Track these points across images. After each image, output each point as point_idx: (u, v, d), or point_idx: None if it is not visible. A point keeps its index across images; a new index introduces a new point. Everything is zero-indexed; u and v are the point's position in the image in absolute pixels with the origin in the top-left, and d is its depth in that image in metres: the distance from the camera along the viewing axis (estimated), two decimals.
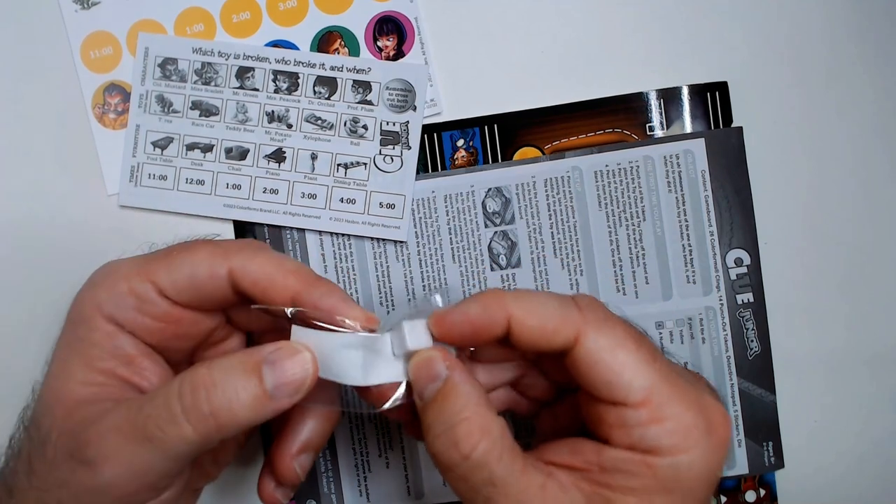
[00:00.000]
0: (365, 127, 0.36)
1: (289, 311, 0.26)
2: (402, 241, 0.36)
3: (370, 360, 0.26)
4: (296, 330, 0.26)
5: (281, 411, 0.25)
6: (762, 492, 0.36)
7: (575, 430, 0.27)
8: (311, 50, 0.36)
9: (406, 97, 0.36)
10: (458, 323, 0.25)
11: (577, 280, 0.36)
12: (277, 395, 0.25)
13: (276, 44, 0.36)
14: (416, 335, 0.26)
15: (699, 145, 0.35)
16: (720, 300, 0.36)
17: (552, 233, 0.36)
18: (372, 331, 0.26)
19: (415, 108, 0.36)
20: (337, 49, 0.36)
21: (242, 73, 0.36)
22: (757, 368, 0.36)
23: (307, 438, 0.29)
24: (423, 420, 0.25)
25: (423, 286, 0.36)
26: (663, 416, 0.24)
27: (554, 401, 0.30)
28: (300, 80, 0.36)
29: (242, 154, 0.36)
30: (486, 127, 0.36)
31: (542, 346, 0.25)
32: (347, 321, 0.26)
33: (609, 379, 0.24)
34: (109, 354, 0.26)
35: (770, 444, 0.36)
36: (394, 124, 0.36)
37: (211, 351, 0.30)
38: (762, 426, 0.36)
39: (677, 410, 0.24)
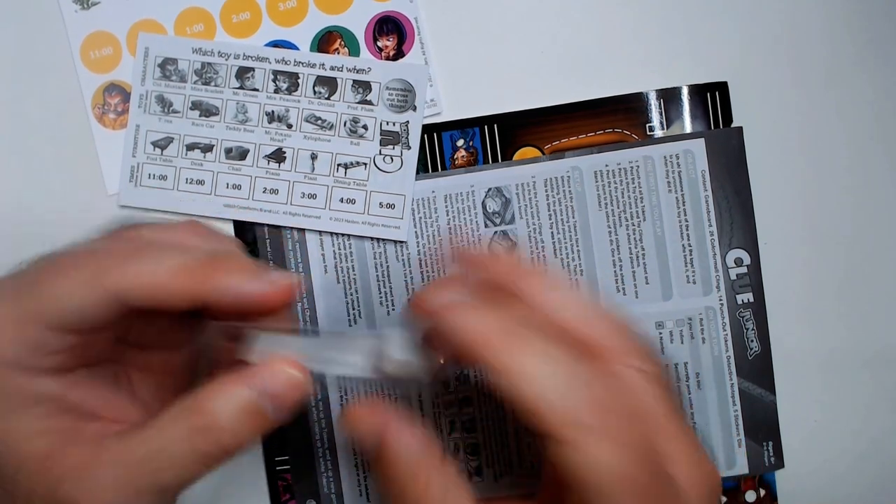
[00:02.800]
0: (365, 127, 0.36)
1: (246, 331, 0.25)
2: (402, 241, 0.36)
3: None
4: (254, 339, 0.25)
5: (286, 419, 0.25)
6: (762, 492, 0.36)
7: None
8: (311, 50, 0.36)
9: (406, 97, 0.36)
10: (442, 330, 0.24)
11: (577, 280, 0.36)
12: (277, 414, 0.25)
13: (276, 44, 0.36)
14: (397, 347, 0.25)
15: (699, 145, 0.35)
16: (720, 300, 0.36)
17: (552, 233, 0.36)
18: (289, 298, 0.25)
19: (415, 108, 0.36)
20: (337, 49, 0.36)
21: (242, 73, 0.36)
22: (757, 368, 0.36)
23: None
24: (372, 471, 0.25)
25: (424, 286, 0.36)
26: None
27: None
28: (300, 81, 0.36)
29: (242, 154, 0.36)
30: (486, 127, 0.36)
31: (515, 411, 0.23)
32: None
33: (581, 491, 0.22)
34: (37, 401, 0.24)
35: (770, 444, 0.36)
36: (394, 124, 0.36)
37: (137, 329, 0.28)
38: (762, 426, 0.36)
39: None
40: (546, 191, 0.36)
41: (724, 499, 0.36)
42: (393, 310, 0.36)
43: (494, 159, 0.36)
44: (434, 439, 0.24)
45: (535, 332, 0.23)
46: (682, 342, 0.36)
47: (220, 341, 0.27)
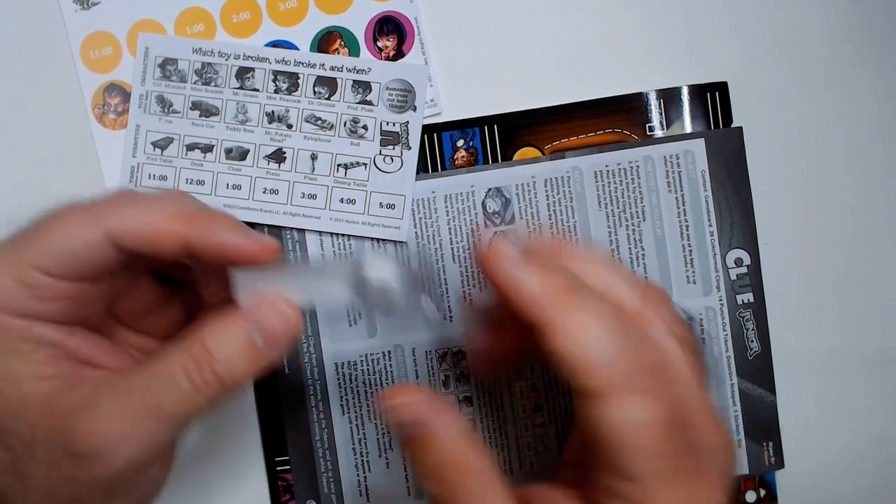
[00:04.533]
0: (365, 127, 0.36)
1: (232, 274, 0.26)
2: (402, 242, 0.36)
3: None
4: (240, 278, 0.26)
5: (279, 357, 0.26)
6: (762, 492, 0.36)
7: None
8: (311, 50, 0.36)
9: (406, 97, 0.36)
10: (504, 285, 0.24)
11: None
12: (270, 349, 0.26)
13: (276, 44, 0.36)
14: (378, 267, 0.26)
15: (699, 145, 0.35)
16: (720, 300, 0.36)
17: (552, 233, 0.36)
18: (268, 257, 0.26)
19: (415, 109, 0.36)
20: (337, 49, 0.36)
21: (242, 73, 0.36)
22: (757, 368, 0.36)
23: None
24: (409, 457, 0.26)
25: (423, 286, 0.36)
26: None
27: None
28: (300, 81, 0.36)
29: (242, 154, 0.36)
30: (486, 127, 0.36)
31: (559, 366, 0.24)
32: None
33: (612, 448, 0.23)
34: (38, 344, 0.25)
35: (770, 444, 0.36)
36: (394, 124, 0.36)
37: (127, 304, 0.29)
38: (762, 426, 0.36)
39: None
40: (546, 191, 0.36)
41: None
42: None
43: (494, 159, 0.36)
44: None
45: (585, 293, 0.24)
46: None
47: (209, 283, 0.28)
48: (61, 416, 0.24)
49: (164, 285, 0.31)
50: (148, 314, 0.30)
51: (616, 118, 0.36)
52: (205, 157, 0.36)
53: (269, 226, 0.36)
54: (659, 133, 0.36)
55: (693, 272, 0.36)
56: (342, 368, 0.36)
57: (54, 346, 0.26)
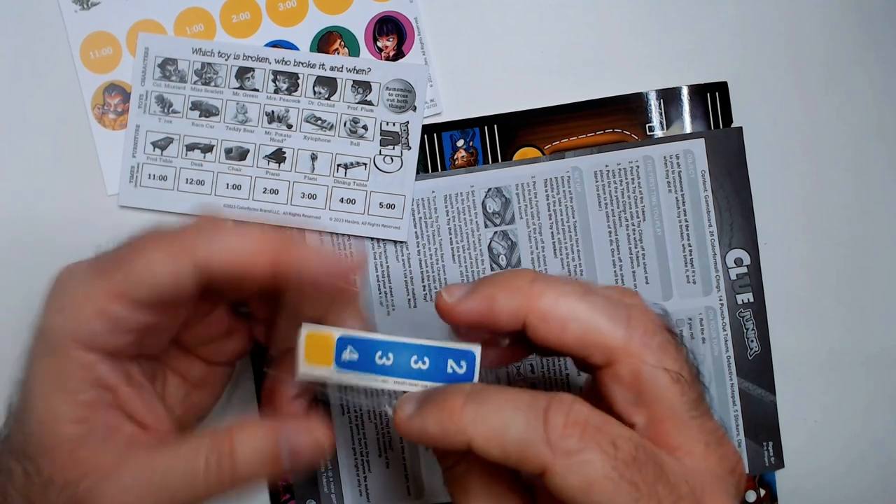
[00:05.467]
0: (365, 127, 0.36)
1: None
2: (402, 241, 0.36)
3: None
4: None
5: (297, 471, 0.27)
6: (762, 492, 0.36)
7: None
8: (311, 50, 0.36)
9: (406, 97, 0.36)
10: (467, 312, 0.24)
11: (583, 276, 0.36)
12: (293, 467, 0.26)
13: (275, 44, 0.36)
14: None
15: (699, 145, 0.35)
16: (720, 300, 0.36)
17: (552, 233, 0.36)
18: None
19: (415, 109, 0.36)
20: (337, 49, 0.36)
21: (242, 73, 0.36)
22: (757, 368, 0.36)
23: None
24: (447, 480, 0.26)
25: (423, 286, 0.36)
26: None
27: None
28: (300, 81, 0.36)
29: (242, 154, 0.36)
30: (486, 127, 0.36)
31: (566, 353, 0.24)
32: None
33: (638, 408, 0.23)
34: (91, 385, 0.25)
35: (770, 444, 0.36)
36: (394, 124, 0.36)
37: (196, 331, 0.29)
38: (762, 426, 0.36)
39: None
40: (546, 191, 0.36)
41: None
42: (393, 310, 0.36)
43: (494, 159, 0.36)
44: None
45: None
46: (682, 342, 0.36)
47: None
48: (84, 473, 0.25)
49: (234, 315, 0.31)
50: (212, 342, 0.30)
51: (616, 118, 0.36)
52: (205, 157, 0.36)
53: (269, 226, 0.36)
54: (659, 133, 0.36)
55: (693, 272, 0.36)
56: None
57: (106, 389, 0.26)
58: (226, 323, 0.30)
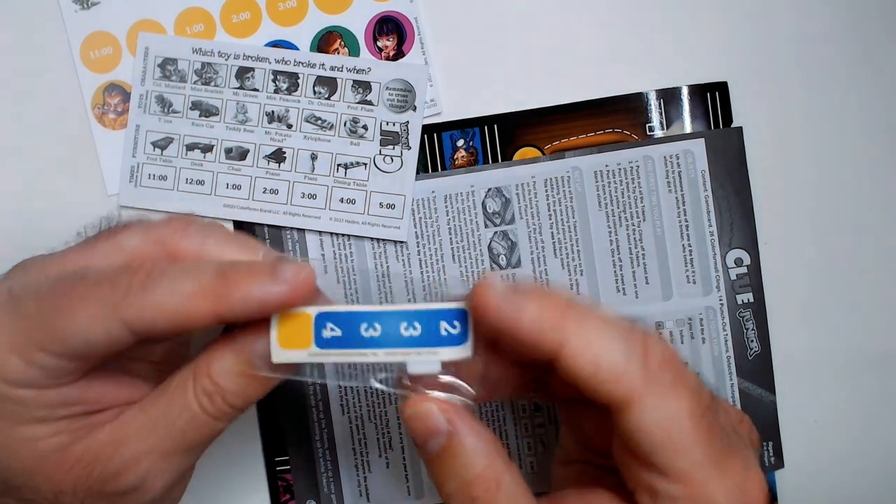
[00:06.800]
0: (365, 127, 0.36)
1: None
2: (402, 242, 0.36)
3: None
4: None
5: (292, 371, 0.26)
6: None
7: (601, 453, 0.26)
8: (311, 50, 0.36)
9: (406, 97, 0.36)
10: (502, 319, 0.22)
11: (577, 280, 0.36)
12: (271, 370, 0.25)
13: (276, 44, 0.36)
14: (421, 364, 0.24)
15: (699, 145, 0.35)
16: (720, 300, 0.36)
17: (552, 233, 0.36)
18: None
19: (415, 109, 0.36)
20: (337, 49, 0.36)
21: (242, 73, 0.36)
22: (757, 368, 0.36)
23: None
24: (431, 472, 0.24)
25: (423, 286, 0.36)
26: (701, 499, 0.22)
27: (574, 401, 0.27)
28: (300, 81, 0.36)
29: (242, 154, 0.36)
30: (486, 127, 0.36)
31: (582, 386, 0.22)
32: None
33: (652, 449, 0.22)
34: (52, 408, 0.24)
35: (770, 444, 0.36)
36: (394, 124, 0.36)
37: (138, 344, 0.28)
38: (762, 426, 0.36)
39: (718, 494, 0.22)
40: (546, 191, 0.36)
41: None
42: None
43: (494, 159, 0.36)
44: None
45: (580, 306, 0.23)
46: (682, 342, 0.36)
47: None
48: (86, 464, 0.24)
49: None
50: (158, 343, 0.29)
51: (616, 118, 0.36)
52: (205, 157, 0.36)
53: (269, 226, 0.36)
54: (659, 133, 0.36)
55: (693, 272, 0.36)
56: (342, 369, 0.36)
57: (72, 404, 0.25)
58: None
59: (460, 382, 0.24)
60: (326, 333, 0.24)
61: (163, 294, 0.23)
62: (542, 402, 0.28)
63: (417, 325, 0.24)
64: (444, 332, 0.24)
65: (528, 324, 0.22)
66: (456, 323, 0.24)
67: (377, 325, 0.24)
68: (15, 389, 0.23)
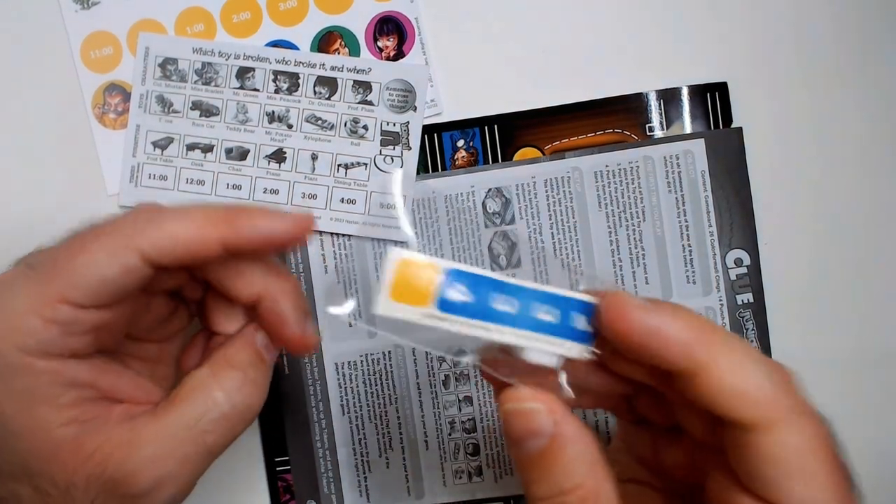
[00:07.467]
0: (365, 127, 0.36)
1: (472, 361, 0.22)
2: (402, 242, 0.36)
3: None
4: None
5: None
6: None
7: (659, 475, 0.26)
8: (312, 50, 0.36)
9: (406, 97, 0.36)
10: (645, 331, 0.21)
11: (577, 280, 0.36)
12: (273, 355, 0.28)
13: (276, 44, 0.36)
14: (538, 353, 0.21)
15: (699, 146, 0.35)
16: (720, 300, 0.36)
17: (552, 233, 0.36)
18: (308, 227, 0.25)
19: (415, 109, 0.36)
20: (337, 49, 0.36)
21: (242, 73, 0.36)
22: None
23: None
24: (522, 471, 0.22)
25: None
26: None
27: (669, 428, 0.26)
28: (300, 81, 0.36)
29: (243, 154, 0.36)
30: (486, 127, 0.36)
31: (718, 406, 0.22)
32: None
33: (780, 474, 0.21)
34: (67, 388, 0.24)
35: None
36: (394, 125, 0.36)
37: (142, 320, 0.29)
38: None
39: None
40: (546, 191, 0.36)
41: None
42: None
43: (494, 160, 0.36)
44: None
45: (720, 329, 0.22)
46: None
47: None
48: (100, 461, 0.24)
49: (170, 297, 0.30)
50: (158, 325, 0.30)
51: (616, 118, 0.36)
52: (205, 157, 0.36)
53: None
54: (659, 133, 0.36)
55: (693, 272, 0.36)
56: (342, 368, 0.36)
57: (84, 387, 0.25)
58: (165, 306, 0.30)
59: (565, 384, 0.22)
60: (454, 296, 0.20)
61: (175, 223, 0.24)
62: (619, 417, 0.27)
63: (555, 310, 0.21)
64: (575, 325, 0.21)
65: (675, 340, 0.21)
66: (584, 319, 0.22)
67: (515, 302, 0.21)
68: (30, 358, 0.24)
